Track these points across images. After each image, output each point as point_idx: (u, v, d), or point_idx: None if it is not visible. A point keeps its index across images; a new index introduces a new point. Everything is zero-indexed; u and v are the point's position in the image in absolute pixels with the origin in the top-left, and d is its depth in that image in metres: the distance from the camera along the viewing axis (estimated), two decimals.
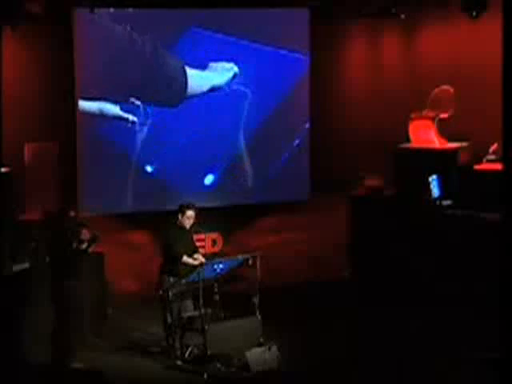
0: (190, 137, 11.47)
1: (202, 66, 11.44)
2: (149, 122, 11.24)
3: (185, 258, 8.56)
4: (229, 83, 11.55)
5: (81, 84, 10.89)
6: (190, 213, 8.75)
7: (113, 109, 11.01)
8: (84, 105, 10.92)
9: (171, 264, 8.58)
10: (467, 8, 9.79)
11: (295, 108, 11.92)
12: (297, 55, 11.79)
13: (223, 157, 11.67)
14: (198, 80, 11.41)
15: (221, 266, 8.40)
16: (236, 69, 11.57)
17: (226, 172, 11.71)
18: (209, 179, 11.64)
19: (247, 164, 11.73)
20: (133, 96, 11.06)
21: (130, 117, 11.11)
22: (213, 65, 11.49)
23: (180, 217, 8.75)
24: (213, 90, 11.49)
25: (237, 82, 11.61)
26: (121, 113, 11.06)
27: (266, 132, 11.76)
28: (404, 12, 11.09)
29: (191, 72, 11.39)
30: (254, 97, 11.69)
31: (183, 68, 11.32)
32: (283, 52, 11.68)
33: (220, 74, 11.48)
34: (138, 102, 11.12)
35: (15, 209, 9.94)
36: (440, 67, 10.96)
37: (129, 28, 10.97)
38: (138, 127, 11.18)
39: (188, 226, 8.78)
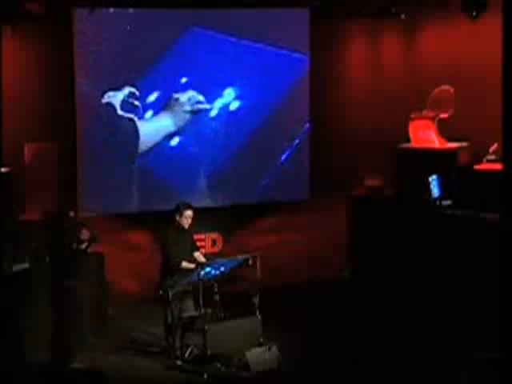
0: (190, 137, 11.46)
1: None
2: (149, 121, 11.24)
3: (184, 264, 8.54)
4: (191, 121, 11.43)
5: (81, 84, 10.88)
6: (189, 212, 8.74)
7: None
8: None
9: (170, 266, 8.58)
10: (467, 8, 9.80)
11: (295, 108, 11.91)
12: (297, 55, 11.78)
13: (223, 157, 11.65)
14: (148, 133, 11.23)
15: (221, 266, 8.41)
16: (201, 98, 11.43)
17: (226, 172, 11.69)
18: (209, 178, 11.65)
19: (247, 164, 11.72)
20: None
21: (131, 116, 11.10)
22: (171, 103, 11.32)
23: (178, 217, 8.73)
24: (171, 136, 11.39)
25: (237, 82, 11.60)
26: (121, 113, 11.06)
27: (266, 132, 11.75)
28: (404, 12, 11.09)
29: (142, 127, 11.21)
30: (254, 97, 11.69)
31: (135, 127, 11.17)
32: (283, 52, 11.68)
33: (177, 115, 11.33)
34: (137, 103, 11.11)
35: (15, 209, 9.93)
36: (440, 67, 10.97)
37: (128, 28, 10.97)
38: (137, 128, 11.16)
39: (187, 226, 8.77)
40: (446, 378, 7.71)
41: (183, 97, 11.30)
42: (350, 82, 12.23)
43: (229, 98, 11.61)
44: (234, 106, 11.64)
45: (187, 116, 11.36)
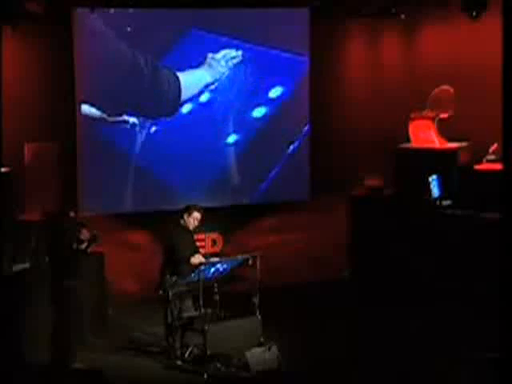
0: (191, 137, 11.46)
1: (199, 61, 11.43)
2: (149, 124, 11.22)
3: (192, 260, 8.55)
4: (229, 75, 11.50)
5: (81, 84, 10.88)
6: (197, 214, 8.75)
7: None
8: (86, 109, 10.90)
9: (173, 264, 8.57)
10: (467, 8, 9.80)
11: (295, 108, 11.90)
12: (297, 56, 11.77)
13: (224, 157, 11.65)
14: (190, 83, 11.35)
15: (221, 265, 8.41)
16: (238, 55, 11.51)
17: (227, 172, 11.69)
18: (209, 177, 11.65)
19: (247, 164, 11.72)
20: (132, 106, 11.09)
21: (131, 119, 11.10)
22: (209, 58, 11.42)
23: (186, 217, 8.74)
24: (207, 86, 11.47)
25: (238, 82, 11.61)
26: (122, 116, 11.05)
27: (267, 132, 11.75)
28: (404, 12, 11.09)
29: (183, 76, 11.34)
30: (255, 97, 11.68)
31: (175, 76, 11.28)
32: (283, 52, 11.67)
33: (216, 68, 11.43)
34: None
35: (15, 209, 9.93)
36: (440, 67, 10.96)
37: (129, 29, 10.97)
38: (138, 129, 11.17)
39: (192, 227, 8.78)
40: (446, 378, 7.71)
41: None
42: (350, 81, 12.23)
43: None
44: (235, 106, 11.65)
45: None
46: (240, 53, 11.52)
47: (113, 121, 11.02)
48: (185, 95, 11.36)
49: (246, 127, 11.71)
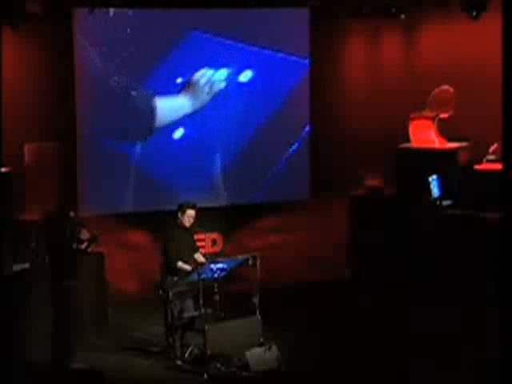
0: (191, 137, 11.47)
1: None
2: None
3: (180, 264, 8.54)
4: (215, 98, 11.43)
5: (81, 84, 10.88)
6: (191, 212, 8.76)
7: None
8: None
9: (168, 265, 8.59)
10: (467, 8, 9.81)
11: (296, 109, 11.90)
12: (297, 56, 11.76)
13: (224, 157, 11.65)
14: (167, 111, 11.23)
15: (221, 266, 8.40)
16: (225, 74, 11.44)
17: (227, 172, 11.69)
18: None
19: (248, 165, 11.71)
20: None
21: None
22: (192, 82, 11.32)
23: (180, 215, 8.75)
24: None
25: (238, 83, 11.60)
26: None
27: (267, 132, 11.74)
28: (404, 12, 11.09)
29: (161, 103, 11.20)
30: (255, 97, 11.68)
31: (152, 102, 11.14)
32: (283, 53, 11.66)
33: (199, 94, 11.33)
34: None
35: (15, 209, 9.93)
36: (440, 67, 10.97)
37: (129, 30, 10.96)
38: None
39: (188, 225, 8.78)
40: (446, 378, 7.71)
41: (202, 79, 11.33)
42: (350, 82, 12.22)
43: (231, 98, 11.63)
44: (236, 105, 11.65)
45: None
46: (224, 76, 11.46)
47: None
48: (161, 122, 11.25)
49: (246, 127, 11.70)
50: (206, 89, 11.35)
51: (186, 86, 11.31)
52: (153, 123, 11.18)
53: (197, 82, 11.32)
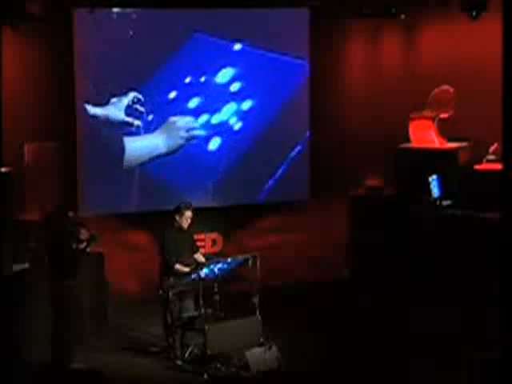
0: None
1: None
2: (152, 127, 11.21)
3: (177, 267, 8.54)
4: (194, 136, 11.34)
5: (81, 84, 10.88)
6: (189, 213, 8.76)
7: (118, 114, 10.97)
8: (90, 110, 10.87)
9: (169, 266, 8.59)
10: (467, 8, 9.81)
11: (296, 110, 11.86)
12: (297, 56, 11.74)
13: (224, 158, 11.64)
14: (137, 150, 11.12)
15: (221, 266, 8.41)
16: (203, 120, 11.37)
17: (227, 173, 11.68)
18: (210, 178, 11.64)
19: (248, 165, 11.70)
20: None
21: (136, 122, 11.07)
22: (170, 123, 11.20)
23: (178, 217, 8.74)
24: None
25: (239, 84, 11.59)
26: (126, 118, 11.02)
27: (267, 132, 11.73)
28: (404, 12, 11.09)
29: (130, 143, 11.07)
30: (255, 99, 11.67)
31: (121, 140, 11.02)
32: (283, 53, 11.65)
33: (174, 134, 11.20)
34: (142, 109, 11.09)
35: (15, 209, 9.93)
36: (440, 67, 10.97)
37: (130, 32, 10.95)
38: (142, 131, 11.14)
39: (186, 227, 8.78)
40: (446, 378, 7.71)
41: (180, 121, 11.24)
42: (350, 82, 12.22)
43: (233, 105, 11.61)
44: (238, 111, 11.64)
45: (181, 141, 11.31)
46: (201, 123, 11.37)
47: (116, 122, 11.00)
48: (131, 162, 11.13)
49: (247, 128, 11.69)
50: (182, 133, 11.31)
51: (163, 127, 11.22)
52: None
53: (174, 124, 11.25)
